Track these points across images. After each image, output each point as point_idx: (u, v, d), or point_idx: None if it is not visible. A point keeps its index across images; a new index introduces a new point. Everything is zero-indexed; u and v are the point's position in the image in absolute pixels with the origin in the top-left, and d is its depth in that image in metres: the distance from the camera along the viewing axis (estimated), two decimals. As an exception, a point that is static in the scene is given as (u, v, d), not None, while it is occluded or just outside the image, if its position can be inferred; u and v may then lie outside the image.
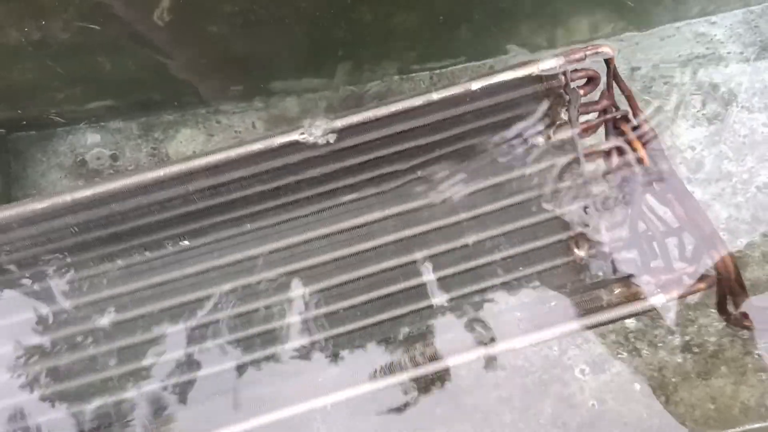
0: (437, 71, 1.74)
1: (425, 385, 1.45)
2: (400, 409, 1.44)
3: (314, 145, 0.99)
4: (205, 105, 1.73)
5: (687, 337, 1.52)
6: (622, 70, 1.66)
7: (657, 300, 0.95)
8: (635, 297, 0.96)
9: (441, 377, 1.46)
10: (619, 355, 1.52)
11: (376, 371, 1.01)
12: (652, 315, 1.51)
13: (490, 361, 1.39)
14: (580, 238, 1.04)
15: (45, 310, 1.07)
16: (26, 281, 1.07)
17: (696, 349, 1.51)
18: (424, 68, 1.73)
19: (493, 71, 1.00)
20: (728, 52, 1.72)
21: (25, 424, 1.06)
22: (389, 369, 1.00)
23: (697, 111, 1.70)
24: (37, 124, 1.67)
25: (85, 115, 1.68)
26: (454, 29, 1.64)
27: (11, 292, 1.08)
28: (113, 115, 1.70)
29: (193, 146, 1.71)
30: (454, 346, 0.98)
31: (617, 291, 0.98)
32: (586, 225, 1.02)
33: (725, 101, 1.69)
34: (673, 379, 1.49)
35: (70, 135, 1.69)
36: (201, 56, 1.59)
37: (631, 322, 1.51)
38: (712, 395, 1.46)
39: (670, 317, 1.48)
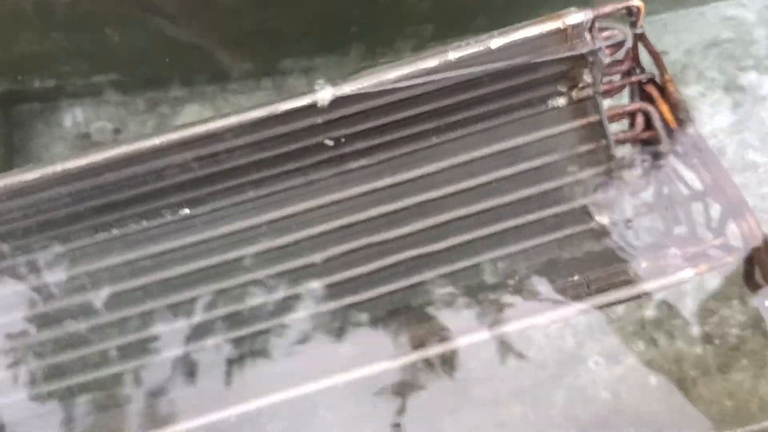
0: (453, 50, 1.69)
1: (434, 373, 1.41)
2: (408, 397, 1.39)
3: (322, 110, 0.94)
4: (213, 82, 1.69)
5: (707, 328, 1.46)
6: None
7: (685, 274, 0.90)
8: (662, 271, 0.91)
9: (451, 365, 1.41)
10: (635, 346, 1.47)
11: (384, 348, 0.96)
12: (670, 303, 1.45)
13: (503, 345, 1.33)
14: (602, 205, 0.99)
15: (36, 282, 1.03)
16: (16, 254, 1.03)
17: (716, 341, 1.44)
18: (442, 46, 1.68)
19: (514, 26, 0.94)
20: (758, 37, 1.66)
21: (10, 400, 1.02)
22: (400, 346, 0.96)
23: (721, 97, 1.64)
24: (41, 96, 1.64)
25: (90, 89, 1.65)
26: (471, 11, 1.59)
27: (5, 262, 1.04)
28: (119, 90, 1.66)
29: (200, 123, 1.67)
30: (466, 322, 0.94)
31: (644, 265, 0.92)
32: (609, 190, 0.97)
33: (752, 88, 1.63)
34: (692, 373, 1.43)
35: (74, 108, 1.66)
36: (211, 30, 1.55)
37: (648, 311, 1.45)
38: (731, 390, 1.40)
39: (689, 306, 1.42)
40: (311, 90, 0.95)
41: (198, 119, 1.61)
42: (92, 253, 1.03)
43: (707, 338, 1.45)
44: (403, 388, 1.35)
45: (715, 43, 1.67)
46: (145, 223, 1.02)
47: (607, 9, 0.96)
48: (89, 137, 1.62)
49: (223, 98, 1.70)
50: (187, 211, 1.02)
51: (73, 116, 1.64)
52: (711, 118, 1.64)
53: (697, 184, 0.98)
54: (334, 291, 1.00)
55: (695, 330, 1.45)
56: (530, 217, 0.98)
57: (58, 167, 0.95)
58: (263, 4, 1.51)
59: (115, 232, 1.03)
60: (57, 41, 1.48)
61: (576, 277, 0.94)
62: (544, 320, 0.90)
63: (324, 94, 0.94)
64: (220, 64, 1.66)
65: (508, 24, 1.68)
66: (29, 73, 1.57)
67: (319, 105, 0.94)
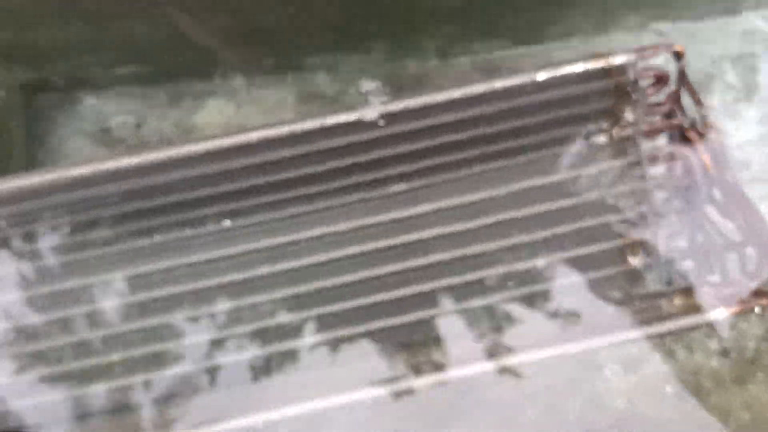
0: (480, 55, 1.68)
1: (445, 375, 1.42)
2: (419, 399, 1.41)
3: (368, 128, 0.94)
4: (235, 77, 1.67)
5: (725, 342, 1.48)
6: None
7: (718, 314, 0.91)
8: (695, 309, 0.92)
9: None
10: (652, 357, 1.48)
11: (413, 370, 0.97)
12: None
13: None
14: (636, 246, 1.00)
15: (73, 282, 1.03)
16: (58, 252, 1.03)
17: (733, 354, 1.46)
18: (467, 50, 1.67)
19: (559, 62, 0.94)
20: (784, 50, 1.66)
21: (34, 402, 1.03)
22: (424, 368, 0.97)
23: (747, 110, 1.64)
24: (63, 87, 1.62)
25: (112, 81, 1.63)
26: (499, 10, 1.58)
27: (42, 260, 1.04)
28: (141, 82, 1.65)
29: (221, 118, 1.66)
30: (499, 349, 0.95)
31: (677, 302, 0.93)
32: (643, 232, 0.98)
33: (778, 101, 1.63)
34: (707, 384, 1.45)
35: (95, 100, 1.64)
36: (236, 24, 1.54)
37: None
38: (748, 403, 1.42)
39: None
40: (360, 104, 0.95)
41: (219, 113, 1.65)
42: (131, 258, 1.04)
43: (724, 351, 1.47)
44: (413, 390, 1.37)
45: (741, 54, 1.67)
46: (187, 231, 1.03)
47: (650, 51, 0.96)
48: (110, 132, 1.61)
49: (246, 92, 1.68)
50: (228, 222, 1.02)
51: (94, 109, 1.63)
52: (736, 130, 1.63)
53: (733, 232, 0.98)
54: (360, 314, 1.01)
55: (713, 343, 1.47)
56: (564, 255, 0.98)
57: (111, 164, 0.97)
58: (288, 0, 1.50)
59: (157, 237, 1.03)
60: (80, 31, 1.46)
61: (610, 311, 0.95)
62: (582, 347, 0.91)
63: (371, 111, 0.94)
64: (243, 58, 1.65)
65: (534, 24, 1.69)
66: (51, 62, 1.56)
67: (366, 120, 0.93)
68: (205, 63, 1.64)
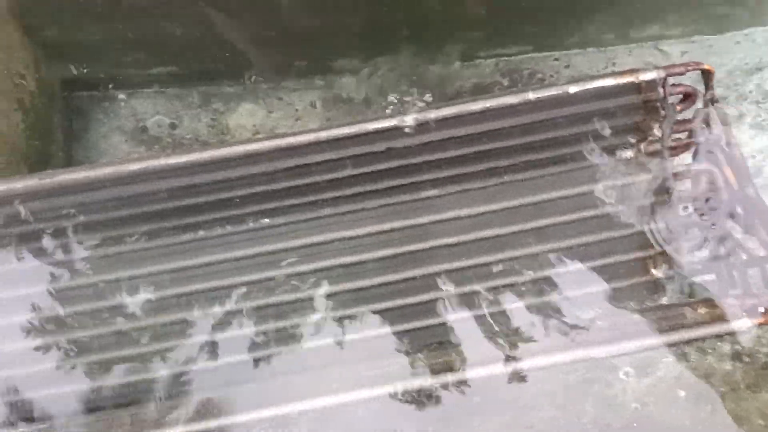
0: (502, 59, 1.72)
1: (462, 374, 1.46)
2: (435, 397, 1.44)
3: (403, 135, 0.99)
4: (266, 80, 1.72)
5: (738, 346, 1.51)
6: (693, 75, 1.64)
7: (742, 324, 0.95)
8: (719, 318, 0.96)
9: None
10: (666, 360, 1.52)
11: (432, 370, 1.01)
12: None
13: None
14: (659, 258, 1.04)
15: (118, 274, 1.08)
16: (107, 244, 1.08)
17: (746, 359, 1.50)
18: (490, 54, 1.71)
19: (591, 76, 0.99)
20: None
21: (71, 389, 1.07)
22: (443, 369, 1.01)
23: (761, 120, 1.67)
24: (101, 85, 1.68)
25: (148, 80, 1.68)
26: (523, 18, 1.62)
27: (90, 251, 1.08)
28: (175, 83, 1.70)
29: (253, 120, 1.71)
30: (518, 353, 0.99)
31: (702, 311, 0.97)
32: (666, 245, 1.02)
33: (793, 112, 1.67)
34: (721, 389, 1.48)
35: (132, 99, 1.70)
36: (268, 28, 1.58)
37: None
38: (762, 409, 1.45)
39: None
40: (388, 108, 0.99)
41: (251, 115, 1.70)
42: (176, 252, 1.08)
43: (737, 356, 1.50)
44: (431, 390, 1.40)
45: (759, 66, 1.70)
46: (229, 228, 1.07)
47: (679, 69, 1.00)
48: (146, 131, 1.66)
49: (276, 96, 1.73)
50: (267, 220, 1.06)
51: (131, 107, 1.68)
52: (751, 139, 1.67)
53: (755, 246, 1.01)
54: (387, 315, 1.06)
55: (726, 347, 1.50)
56: (588, 264, 1.02)
57: (162, 161, 1.01)
58: (320, 5, 1.54)
59: (200, 233, 1.07)
60: (121, 31, 1.52)
61: (635, 317, 0.99)
62: (608, 352, 0.95)
63: (408, 118, 0.98)
64: (274, 61, 1.69)
65: (554, 32, 1.73)
66: (92, 61, 1.61)
67: (405, 127, 0.98)
68: (238, 65, 1.68)
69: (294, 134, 1.00)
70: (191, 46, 1.59)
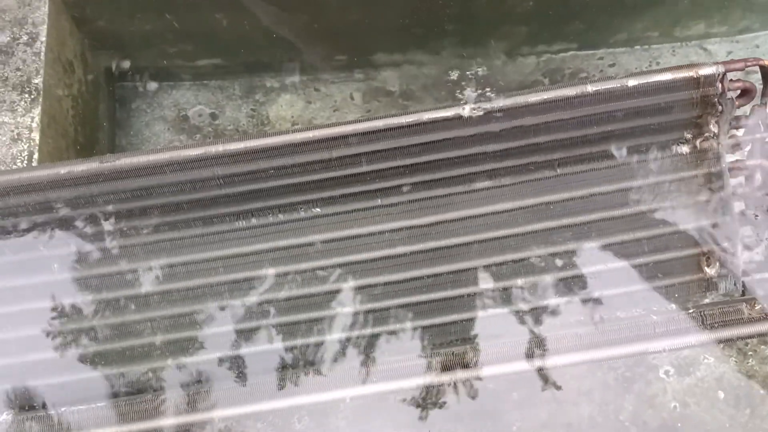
0: (545, 56, 1.71)
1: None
2: (472, 392, 1.45)
3: (461, 125, 0.99)
4: (306, 72, 1.73)
5: (779, 349, 1.50)
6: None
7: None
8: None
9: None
10: (706, 360, 1.51)
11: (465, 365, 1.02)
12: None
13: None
14: (712, 256, 1.03)
15: (175, 259, 1.09)
16: (162, 229, 1.09)
17: (789, 363, 1.48)
18: (532, 51, 1.71)
19: (649, 70, 0.98)
20: None
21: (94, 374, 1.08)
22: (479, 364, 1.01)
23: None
24: (147, 75, 1.70)
25: (192, 72, 1.70)
26: (570, 14, 1.61)
27: (149, 236, 1.09)
28: (218, 74, 1.72)
29: (292, 111, 1.72)
30: (584, 342, 0.99)
31: (758, 306, 0.96)
32: (721, 243, 1.01)
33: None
34: (761, 391, 1.47)
35: (174, 90, 1.72)
36: (314, 21, 1.59)
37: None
38: (803, 412, 1.44)
39: None
40: (456, 102, 1.00)
41: (290, 106, 1.71)
42: (230, 239, 1.08)
43: (779, 358, 1.49)
44: (467, 386, 1.41)
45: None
46: (281, 216, 1.07)
47: (739, 64, 0.99)
48: (188, 120, 1.68)
49: (315, 88, 1.74)
50: (318, 210, 1.07)
51: (174, 98, 1.70)
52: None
53: None
54: (434, 307, 1.06)
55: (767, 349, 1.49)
56: (640, 260, 1.02)
57: (220, 147, 1.01)
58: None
59: (254, 221, 1.08)
60: (169, 22, 1.54)
61: (691, 310, 0.98)
62: (661, 347, 0.95)
63: (466, 109, 0.98)
64: (313, 54, 1.70)
65: (600, 29, 1.72)
66: (138, 51, 1.63)
67: (461, 117, 0.98)
68: (279, 58, 1.70)
69: (348, 123, 1.01)
70: (237, 38, 1.60)
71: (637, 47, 1.69)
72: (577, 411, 1.49)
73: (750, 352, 1.50)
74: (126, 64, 1.67)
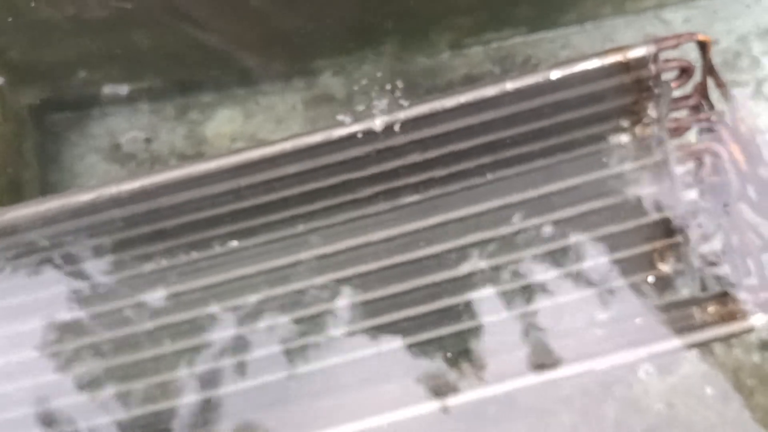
0: (493, 45, 1.61)
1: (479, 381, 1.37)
2: (449, 407, 1.36)
3: (375, 139, 0.89)
4: (244, 85, 1.64)
5: (764, 334, 1.40)
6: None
7: (757, 320, 0.85)
8: (731, 316, 0.85)
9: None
10: (689, 355, 1.41)
11: (438, 387, 0.93)
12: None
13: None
14: (666, 251, 0.93)
15: (82, 313, 1.01)
16: (68, 279, 1.01)
17: (776, 349, 1.39)
18: (479, 41, 1.61)
19: (574, 58, 0.88)
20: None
21: None
22: (449, 387, 0.92)
23: (780, 87, 1.55)
24: (74, 105, 1.62)
25: (122, 96, 1.61)
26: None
27: (51, 289, 1.02)
28: (150, 96, 1.63)
29: (232, 128, 1.63)
30: (524, 366, 0.90)
31: (711, 309, 0.87)
32: (672, 236, 0.91)
33: (813, 77, 1.54)
34: (749, 382, 1.38)
35: (106, 117, 1.63)
36: (242, 32, 1.51)
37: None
38: (795, 402, 1.35)
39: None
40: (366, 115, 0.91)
41: (229, 122, 1.62)
42: (139, 285, 1.01)
43: (765, 346, 1.39)
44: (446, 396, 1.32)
45: (770, 29, 1.58)
46: (194, 254, 0.99)
47: (671, 42, 0.89)
48: (121, 148, 1.59)
49: (254, 101, 1.65)
50: (235, 243, 0.98)
51: (105, 126, 1.62)
52: (766, 110, 1.55)
53: None
54: (374, 333, 0.97)
55: (754, 337, 1.39)
56: (587, 264, 0.92)
57: (114, 188, 0.94)
58: (296, 4, 1.46)
59: (163, 262, 1.00)
60: (88, 48, 1.45)
61: (638, 320, 0.89)
62: (610, 363, 0.86)
63: (377, 121, 0.89)
64: (250, 66, 1.61)
65: (548, 10, 1.62)
66: (61, 81, 1.55)
67: (374, 130, 0.89)
68: (213, 73, 1.61)
69: (253, 148, 0.92)
70: (163, 57, 1.52)
71: (589, 26, 1.59)
72: (558, 420, 1.41)
73: (735, 342, 1.40)
74: (50, 96, 1.58)
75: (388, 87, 1.63)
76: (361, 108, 1.58)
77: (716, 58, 1.54)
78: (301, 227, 0.97)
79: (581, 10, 1.57)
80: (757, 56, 1.57)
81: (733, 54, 1.56)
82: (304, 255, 0.97)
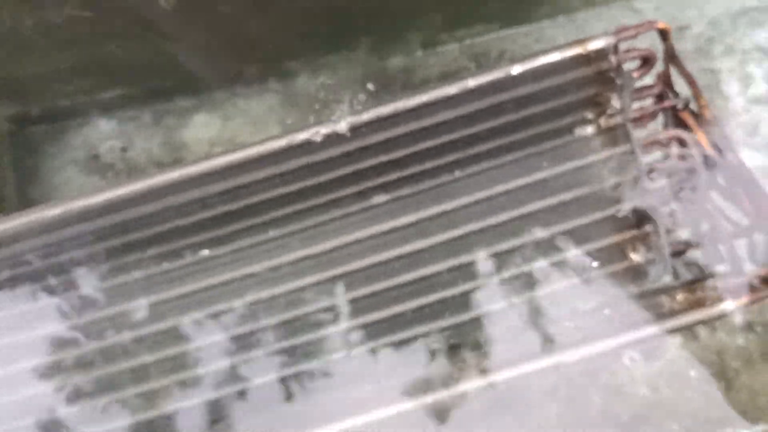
0: (467, 41, 1.61)
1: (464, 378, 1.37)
2: (433, 403, 1.36)
3: (341, 141, 0.89)
4: (219, 89, 1.64)
5: (748, 316, 1.40)
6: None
7: (725, 307, 0.85)
8: (700, 304, 0.86)
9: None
10: (673, 340, 1.42)
11: (424, 383, 0.93)
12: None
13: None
14: (636, 240, 0.93)
15: (55, 327, 1.01)
16: (39, 295, 1.01)
17: (759, 329, 1.39)
18: (453, 37, 1.61)
19: (534, 53, 0.88)
20: (789, 3, 1.56)
21: None
22: (436, 382, 0.93)
23: (754, 68, 1.55)
24: (49, 117, 1.61)
25: (97, 106, 1.61)
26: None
27: (21, 306, 1.01)
28: (125, 104, 1.62)
29: (209, 132, 1.62)
30: (505, 357, 0.90)
31: (680, 297, 0.87)
32: (643, 226, 0.91)
33: (785, 58, 1.54)
34: (734, 364, 1.39)
35: (82, 128, 1.62)
36: (212, 38, 1.50)
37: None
38: (779, 382, 1.35)
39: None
40: (325, 119, 0.90)
41: (206, 127, 1.61)
42: (112, 296, 1.00)
43: (749, 327, 1.40)
44: (434, 394, 1.32)
45: (744, 11, 1.58)
46: (165, 265, 0.99)
47: (630, 32, 0.89)
48: (99, 158, 1.59)
49: (231, 104, 1.65)
50: (206, 252, 0.98)
51: (82, 136, 1.61)
52: (745, 89, 1.55)
53: (740, 217, 0.91)
54: (357, 334, 0.97)
55: (737, 319, 1.40)
56: (559, 256, 0.93)
57: (81, 202, 0.93)
58: (265, 7, 1.45)
59: (135, 274, 1.00)
60: (59, 60, 1.44)
61: (606, 311, 0.89)
62: (582, 354, 0.86)
63: (342, 124, 0.89)
64: (223, 71, 1.61)
65: (521, 4, 1.62)
66: (35, 94, 1.54)
67: (338, 133, 0.89)
68: (188, 79, 1.60)
69: (218, 156, 0.92)
70: (136, 66, 1.51)
71: (562, 19, 1.59)
72: (544, 412, 1.41)
73: (718, 324, 1.41)
74: (26, 110, 1.57)
75: (367, 86, 1.63)
76: (342, 108, 1.58)
77: (689, 44, 1.55)
78: (271, 233, 0.96)
79: (553, 3, 1.57)
80: (729, 42, 1.57)
81: (706, 39, 1.56)
82: (275, 261, 0.97)
